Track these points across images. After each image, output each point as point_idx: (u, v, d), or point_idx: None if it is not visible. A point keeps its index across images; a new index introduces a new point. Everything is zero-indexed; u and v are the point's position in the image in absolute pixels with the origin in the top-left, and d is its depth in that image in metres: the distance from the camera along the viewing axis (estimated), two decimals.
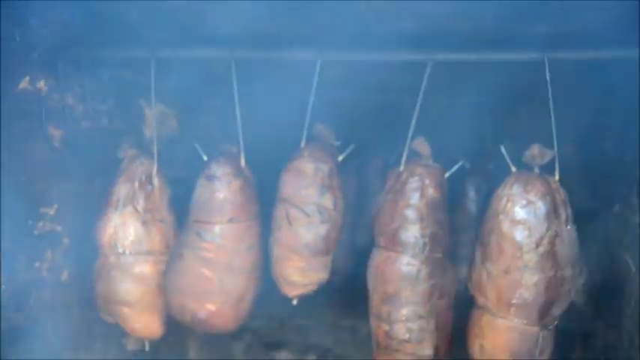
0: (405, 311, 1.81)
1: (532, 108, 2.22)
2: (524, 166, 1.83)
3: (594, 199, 2.36)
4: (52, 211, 2.18)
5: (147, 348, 2.18)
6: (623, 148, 2.22)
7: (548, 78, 1.71)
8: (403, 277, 1.80)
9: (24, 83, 2.00)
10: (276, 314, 3.14)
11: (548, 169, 1.82)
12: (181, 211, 2.16)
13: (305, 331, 3.10)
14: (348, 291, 2.82)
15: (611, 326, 2.28)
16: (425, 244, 1.80)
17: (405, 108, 2.02)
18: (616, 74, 1.96)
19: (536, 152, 1.75)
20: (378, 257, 1.89)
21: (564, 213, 1.72)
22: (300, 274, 1.93)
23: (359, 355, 2.94)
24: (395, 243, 1.82)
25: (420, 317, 1.81)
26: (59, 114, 2.16)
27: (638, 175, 2.12)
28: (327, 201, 1.88)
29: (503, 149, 1.80)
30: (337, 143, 2.01)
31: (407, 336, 1.83)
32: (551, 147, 1.77)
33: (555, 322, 1.79)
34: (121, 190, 2.06)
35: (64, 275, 2.25)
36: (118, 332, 2.28)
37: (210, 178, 1.96)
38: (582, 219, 1.86)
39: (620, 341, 2.20)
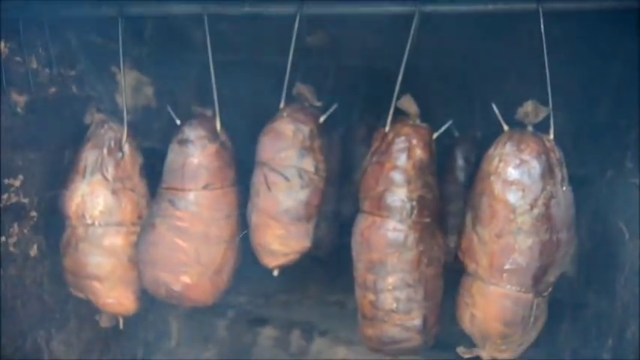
0: (391, 279, 1.71)
1: (523, 71, 2.14)
2: (516, 126, 1.73)
3: (586, 165, 2.29)
4: (17, 183, 2.07)
5: (121, 325, 2.07)
6: (617, 113, 2.14)
7: (542, 29, 1.59)
8: (389, 243, 1.70)
9: None
10: (260, 290, 3.09)
11: (541, 129, 1.73)
12: (156, 183, 2.05)
13: (290, 307, 3.06)
14: (334, 265, 2.76)
15: (603, 296, 2.22)
16: (412, 207, 1.69)
17: (390, 73, 1.91)
18: (610, 38, 1.88)
19: (529, 109, 1.63)
20: (362, 223, 1.77)
21: (560, 173, 1.61)
22: (280, 242, 1.81)
23: (345, 331, 2.87)
24: (380, 207, 1.71)
25: (408, 286, 1.71)
26: (23, 79, 2.04)
27: (633, 139, 2.03)
28: (308, 164, 1.76)
29: (495, 107, 1.68)
30: (319, 104, 1.87)
31: (394, 306, 1.72)
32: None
33: (550, 289, 1.69)
34: (89, 156, 1.95)
35: (33, 250, 2.14)
36: (92, 309, 2.18)
37: (183, 143, 1.83)
38: (574, 185, 1.77)
39: (613, 310, 2.13)
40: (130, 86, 2.68)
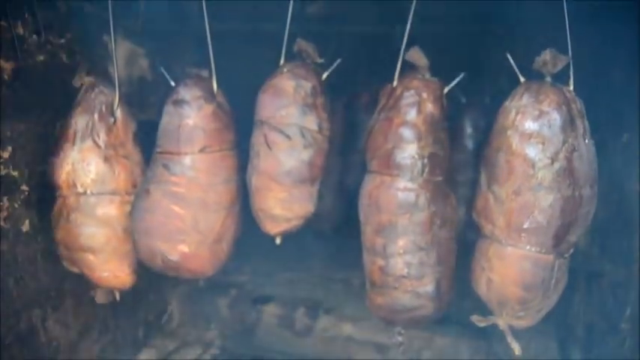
0: (402, 243, 1.60)
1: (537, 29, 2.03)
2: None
3: (600, 129, 2.20)
4: (6, 155, 1.98)
5: (117, 298, 1.98)
6: (631, 76, 2.04)
7: None
8: (400, 204, 1.59)
9: None
10: (263, 267, 3.02)
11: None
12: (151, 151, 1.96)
13: (293, 285, 2.98)
14: (338, 240, 2.68)
15: (619, 264, 2.13)
16: (424, 165, 1.58)
17: (395, 41, 1.81)
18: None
19: (548, 58, 1.52)
20: (370, 183, 1.66)
21: (582, 125, 1.51)
22: (283, 206, 1.71)
23: (351, 308, 2.80)
24: (390, 166, 1.60)
25: (420, 249, 1.60)
26: (9, 45, 1.95)
27: None
28: (311, 122, 1.65)
29: (510, 58, 1.57)
30: (321, 60, 1.76)
31: (405, 271, 1.62)
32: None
33: (572, 250, 1.59)
34: (78, 122, 1.84)
35: (25, 225, 2.06)
36: (90, 287, 2.10)
37: (178, 103, 1.72)
38: None
39: (631, 279, 2.05)
40: (124, 57, 2.60)
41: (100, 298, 2.00)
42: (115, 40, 1.96)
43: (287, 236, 1.87)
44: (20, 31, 2.02)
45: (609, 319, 2.13)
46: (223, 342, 2.85)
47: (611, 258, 2.21)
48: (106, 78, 2.24)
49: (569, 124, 1.48)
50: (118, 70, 1.96)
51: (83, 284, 2.12)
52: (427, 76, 1.65)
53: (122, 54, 2.59)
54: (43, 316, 2.17)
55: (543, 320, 1.75)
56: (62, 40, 2.22)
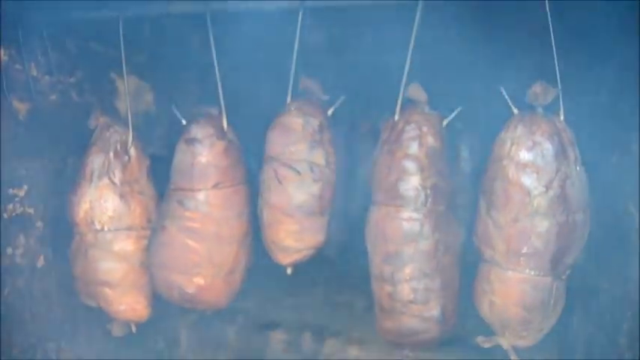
0: (408, 270, 1.68)
1: (526, 58, 2.13)
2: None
3: (591, 150, 2.29)
4: (21, 193, 2.05)
5: (134, 330, 2.03)
6: (620, 96, 2.13)
7: (547, 9, 1.58)
8: (405, 234, 1.68)
9: None
10: (268, 294, 3.05)
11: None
12: (162, 187, 2.03)
13: (299, 310, 3.01)
14: (342, 265, 2.74)
15: (615, 281, 2.20)
16: (427, 196, 1.67)
17: (392, 68, 1.90)
18: (612, 21, 1.87)
19: (538, 90, 1.63)
20: (376, 214, 1.75)
21: (572, 153, 1.61)
22: (294, 238, 1.79)
23: (356, 331, 2.84)
24: (394, 197, 1.69)
25: (425, 275, 1.69)
26: (23, 86, 2.03)
27: (637, 122, 2.03)
28: (319, 157, 1.74)
29: (503, 91, 1.67)
30: (326, 97, 1.85)
31: (412, 296, 1.70)
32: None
33: (568, 272, 1.68)
34: (95, 161, 1.92)
35: (40, 261, 2.12)
36: (102, 319, 2.15)
37: (191, 142, 1.81)
38: None
39: (627, 294, 2.11)
40: (130, 92, 2.67)
41: (117, 331, 2.05)
42: (122, 77, 2.02)
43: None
44: (34, 72, 2.09)
45: (608, 335, 2.19)
46: None
47: (607, 275, 2.27)
48: (117, 115, 2.32)
49: (561, 152, 1.58)
50: (128, 108, 2.01)
51: (96, 317, 2.17)
52: (427, 109, 1.75)
53: (128, 89, 2.67)
54: (57, 349, 2.21)
55: (544, 337, 1.82)
56: (72, 79, 2.28)
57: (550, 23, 1.60)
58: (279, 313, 2.98)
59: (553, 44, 1.62)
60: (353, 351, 2.78)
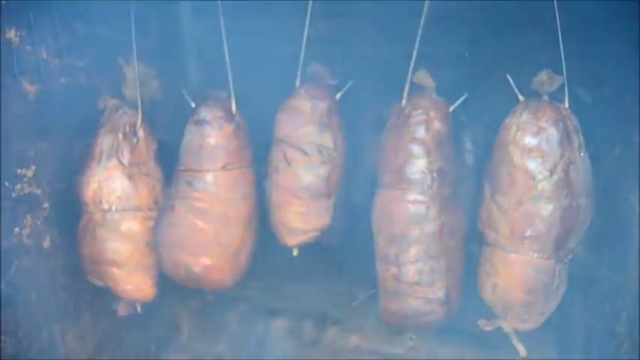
0: (414, 252, 1.72)
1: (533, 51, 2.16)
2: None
3: (593, 142, 2.31)
4: (29, 173, 2.06)
5: (139, 310, 2.06)
6: (623, 89, 2.16)
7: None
8: (411, 216, 1.71)
9: None
10: (271, 282, 3.08)
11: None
12: (167, 171, 2.05)
13: (301, 298, 3.04)
14: (343, 254, 2.76)
15: (615, 271, 2.23)
16: (433, 179, 1.70)
17: (396, 59, 1.93)
18: (615, 13, 1.89)
19: (545, 78, 1.66)
20: (383, 197, 1.78)
21: (577, 140, 1.64)
22: (302, 219, 1.83)
23: (357, 320, 2.87)
24: (401, 180, 1.72)
25: (431, 257, 1.72)
26: (33, 68, 2.04)
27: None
28: (327, 140, 1.78)
29: (509, 78, 1.70)
30: (334, 82, 1.89)
31: (417, 278, 1.73)
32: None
33: (571, 256, 1.71)
34: (104, 141, 1.94)
35: (46, 242, 2.13)
36: (106, 301, 2.17)
37: (200, 123, 1.83)
38: None
39: (627, 284, 2.15)
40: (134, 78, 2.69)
41: (123, 310, 2.07)
42: (129, 63, 2.05)
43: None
44: (44, 55, 2.11)
45: (607, 323, 2.22)
46: (233, 355, 2.89)
47: (607, 265, 2.30)
48: (123, 101, 2.34)
49: (565, 138, 1.61)
50: (137, 91, 2.04)
51: (100, 300, 2.19)
52: (434, 96, 1.78)
53: (134, 75, 2.69)
54: (62, 331, 2.22)
55: (544, 325, 1.85)
56: (81, 63, 2.30)
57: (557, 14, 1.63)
58: (281, 301, 3.00)
59: (559, 30, 1.65)
60: (353, 339, 2.81)
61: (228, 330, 2.97)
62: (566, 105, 1.68)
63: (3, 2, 1.88)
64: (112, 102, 2.00)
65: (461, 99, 1.79)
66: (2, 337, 1.95)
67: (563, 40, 1.70)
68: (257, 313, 2.96)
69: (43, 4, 2.00)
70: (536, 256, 1.65)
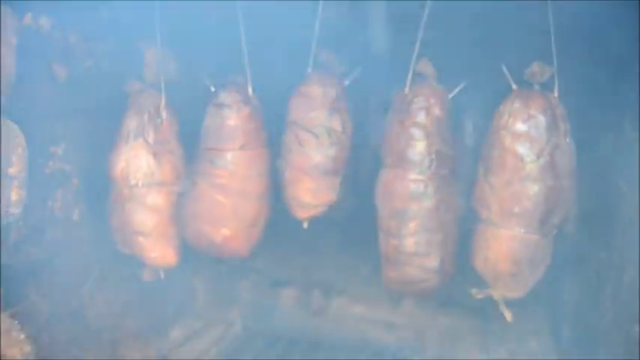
0: (413, 225, 1.89)
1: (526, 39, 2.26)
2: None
3: (586, 128, 2.42)
4: (59, 151, 2.22)
5: (162, 276, 2.24)
6: (617, 77, 2.27)
7: None
8: (411, 193, 1.88)
9: (27, 19, 2.00)
10: (280, 254, 3.22)
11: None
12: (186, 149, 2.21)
13: (309, 269, 3.17)
14: (349, 228, 2.91)
15: (602, 248, 2.35)
16: (431, 160, 1.87)
17: (400, 44, 2.06)
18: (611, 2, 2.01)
19: (536, 69, 1.81)
20: (386, 176, 1.96)
21: (563, 127, 1.80)
22: (311, 195, 2.00)
23: (362, 290, 2.99)
24: (402, 160, 1.89)
25: (427, 230, 1.90)
26: (62, 53, 2.17)
27: (632, 102, 2.16)
28: (336, 123, 1.95)
29: (504, 68, 1.85)
30: (343, 69, 2.05)
31: (415, 249, 1.91)
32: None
33: (554, 231, 1.88)
34: (131, 122, 2.10)
35: (75, 214, 2.31)
36: (129, 269, 2.35)
37: (220, 106, 2.00)
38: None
39: (611, 259, 2.27)
40: (155, 62, 2.81)
41: (148, 276, 2.26)
42: (149, 47, 2.17)
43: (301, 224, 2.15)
44: (72, 40, 2.25)
45: (593, 297, 2.37)
46: (244, 322, 3.03)
47: (595, 244, 2.45)
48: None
49: (552, 125, 1.77)
50: (158, 74, 2.16)
51: (123, 269, 2.37)
52: (434, 83, 1.93)
53: (153, 58, 2.80)
54: (90, 294, 2.40)
55: (537, 298, 2.00)
56: (105, 47, 2.44)
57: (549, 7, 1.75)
58: (290, 272, 3.10)
59: (551, 25, 1.78)
60: (358, 308, 2.95)
61: (240, 298, 3.12)
62: (556, 94, 1.83)
63: None
64: (138, 85, 2.16)
65: (459, 87, 1.94)
66: (38, 299, 2.15)
67: (557, 31, 1.83)
68: (267, 282, 3.09)
69: None
70: (522, 231, 1.82)
